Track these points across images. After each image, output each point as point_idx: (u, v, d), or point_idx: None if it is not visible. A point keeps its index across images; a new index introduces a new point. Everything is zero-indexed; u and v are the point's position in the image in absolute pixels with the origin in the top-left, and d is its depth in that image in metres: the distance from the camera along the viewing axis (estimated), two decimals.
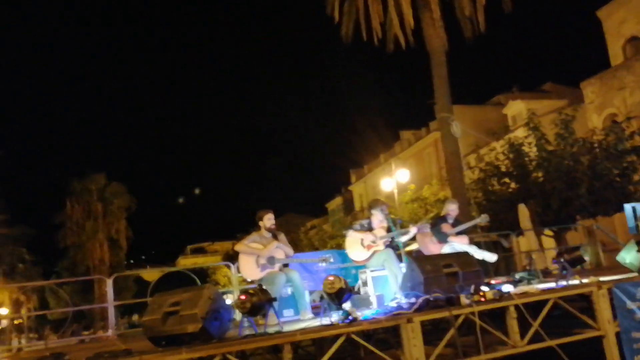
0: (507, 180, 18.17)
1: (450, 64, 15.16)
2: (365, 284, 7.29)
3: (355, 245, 7.47)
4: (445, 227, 8.24)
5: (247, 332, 5.57)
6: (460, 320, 5.64)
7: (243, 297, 5.38)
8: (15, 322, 30.87)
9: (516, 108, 31.44)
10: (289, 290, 7.31)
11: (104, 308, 29.10)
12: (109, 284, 9.66)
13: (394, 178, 27.42)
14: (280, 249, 7.21)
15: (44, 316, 38.89)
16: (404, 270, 6.89)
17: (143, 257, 63.44)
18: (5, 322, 26.91)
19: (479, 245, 8.43)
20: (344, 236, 7.95)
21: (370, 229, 7.52)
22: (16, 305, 32.30)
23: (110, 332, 9.88)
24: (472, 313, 5.65)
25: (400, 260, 7.33)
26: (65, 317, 36.28)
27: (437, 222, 8.43)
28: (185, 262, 57.84)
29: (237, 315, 7.17)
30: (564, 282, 7.11)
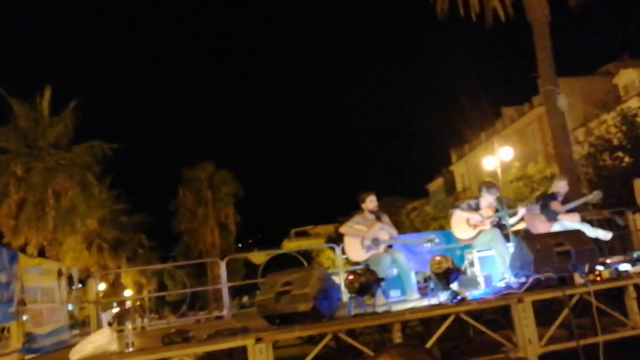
0: (620, 154, 17.12)
1: (554, 34, 14.38)
2: (472, 264, 7.22)
3: (461, 224, 7.39)
4: (555, 205, 7.92)
5: (356, 311, 5.71)
6: (574, 300, 5.45)
7: (351, 277, 5.53)
8: (137, 303, 33.43)
9: (628, 77, 29.32)
10: (395, 271, 7.39)
11: (217, 290, 30.80)
12: (222, 266, 10.19)
13: (496, 156, 26.54)
14: (384, 231, 7.29)
15: (162, 297, 41.77)
16: (511, 250, 6.74)
17: (250, 241, 66.11)
18: (129, 303, 29.25)
19: (592, 223, 8.02)
20: (446, 217, 7.92)
21: (477, 209, 7.41)
22: (138, 287, 34.94)
23: (225, 312, 10.44)
24: (588, 293, 5.43)
25: (508, 240, 7.17)
26: (181, 299, 38.81)
27: (545, 200, 8.13)
28: (290, 246, 59.36)
29: (344, 296, 7.38)
30: None
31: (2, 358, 5.40)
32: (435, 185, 53.94)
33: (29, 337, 6.14)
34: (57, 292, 7.52)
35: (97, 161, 23.35)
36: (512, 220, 7.34)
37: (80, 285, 9.64)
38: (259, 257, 35.97)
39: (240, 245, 53.03)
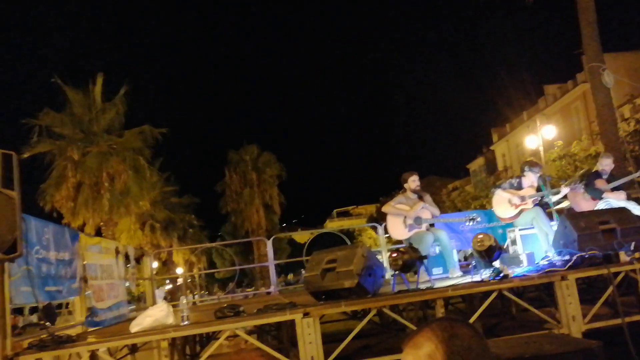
0: None
1: (599, 8, 13.85)
2: (514, 242, 7.23)
3: (503, 203, 7.40)
4: (600, 183, 7.81)
5: (399, 288, 5.85)
6: (619, 278, 5.43)
7: (395, 254, 5.67)
8: (189, 280, 34.54)
9: None
10: (437, 249, 7.48)
11: (263, 267, 31.66)
12: (269, 244, 10.51)
13: (539, 135, 25.90)
14: (426, 210, 7.36)
15: (211, 275, 43.00)
16: (554, 228, 6.73)
17: (294, 221, 66.86)
18: (180, 280, 30.29)
19: (638, 201, 7.87)
20: (487, 197, 7.92)
21: (519, 188, 7.40)
22: (189, 265, 36.05)
23: (272, 289, 10.79)
24: (633, 270, 5.41)
25: (551, 219, 7.15)
26: (229, 276, 39.87)
27: (590, 178, 8.02)
28: (332, 225, 59.77)
29: (387, 273, 7.54)
30: None
31: (67, 330, 5.77)
32: (476, 164, 53.26)
33: (92, 311, 6.55)
34: (115, 269, 7.95)
35: (148, 145, 23.94)
36: (554, 199, 7.30)
37: (135, 263, 10.13)
38: (302, 237, 36.46)
39: (284, 225, 53.73)
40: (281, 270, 44.44)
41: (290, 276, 45.61)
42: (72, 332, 5.69)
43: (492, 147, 49.73)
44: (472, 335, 1.33)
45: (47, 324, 5.75)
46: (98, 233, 21.22)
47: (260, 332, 7.64)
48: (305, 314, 4.84)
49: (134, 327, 5.05)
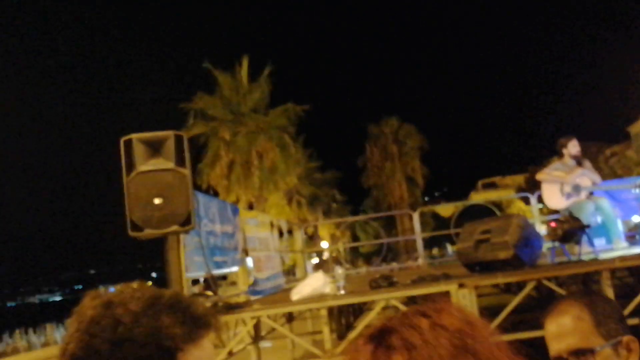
0: None
1: None
2: None
3: None
4: None
5: (559, 260, 5.56)
6: None
7: (554, 224, 5.39)
8: (334, 254, 35.62)
9: None
10: (599, 219, 6.96)
11: (407, 241, 31.62)
12: (415, 217, 10.50)
13: None
14: (586, 177, 6.87)
15: (355, 249, 44.00)
16: None
17: (437, 194, 65.67)
18: (326, 254, 31.32)
19: None
20: None
21: None
22: (333, 239, 37.17)
23: (420, 261, 10.80)
24: None
25: None
26: (373, 250, 40.47)
27: None
28: (477, 197, 57.67)
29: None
30: None
31: (234, 298, 6.25)
32: (638, 127, 47.99)
33: (253, 281, 7.05)
34: (271, 241, 8.47)
35: (292, 122, 24.90)
36: None
37: (287, 236, 10.69)
38: (446, 210, 35.64)
39: (427, 198, 52.99)
40: (425, 244, 43.90)
41: (435, 250, 45.09)
42: (237, 300, 6.17)
43: None
44: (609, 301, 1.59)
45: (212, 293, 6.24)
46: (250, 209, 22.61)
47: (410, 304, 7.70)
48: (461, 285, 4.79)
49: (294, 295, 5.33)
